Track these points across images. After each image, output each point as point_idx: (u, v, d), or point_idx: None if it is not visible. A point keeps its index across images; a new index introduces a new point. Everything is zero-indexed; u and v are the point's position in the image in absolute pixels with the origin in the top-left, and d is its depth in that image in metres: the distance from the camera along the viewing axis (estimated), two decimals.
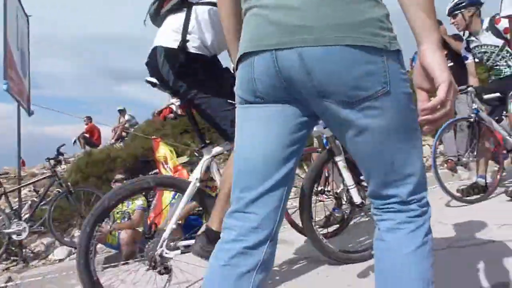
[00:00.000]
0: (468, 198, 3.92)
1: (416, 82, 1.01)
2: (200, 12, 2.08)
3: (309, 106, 1.07)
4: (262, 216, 1.09)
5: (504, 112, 4.22)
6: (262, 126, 1.10)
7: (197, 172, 2.28)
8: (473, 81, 4.45)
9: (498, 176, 4.15)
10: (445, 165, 5.69)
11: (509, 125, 4.34)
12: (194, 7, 2.08)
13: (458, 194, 3.99)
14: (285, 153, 1.10)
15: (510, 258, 2.05)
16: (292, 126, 1.10)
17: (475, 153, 4.12)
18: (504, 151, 4.43)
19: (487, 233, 2.63)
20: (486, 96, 4.15)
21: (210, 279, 1.09)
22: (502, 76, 4.12)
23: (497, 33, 3.97)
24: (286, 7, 0.97)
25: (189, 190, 2.22)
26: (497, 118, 4.22)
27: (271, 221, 1.10)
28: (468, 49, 4.36)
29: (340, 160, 2.51)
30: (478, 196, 3.98)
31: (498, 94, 4.11)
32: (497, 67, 4.12)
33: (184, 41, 2.02)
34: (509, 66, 4.06)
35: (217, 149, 2.37)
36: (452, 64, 4.81)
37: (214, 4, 2.01)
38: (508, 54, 4.01)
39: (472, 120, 4.07)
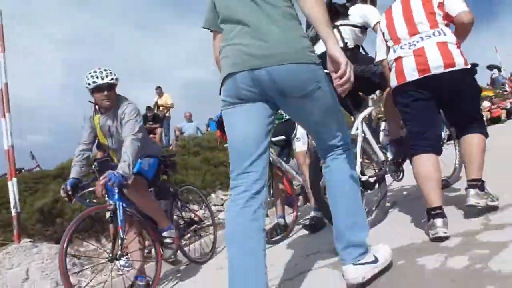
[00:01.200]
0: (272, 239, 3.75)
1: (328, 68, 1.75)
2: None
3: (275, 102, 1.92)
4: (259, 173, 1.86)
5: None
6: (245, 117, 1.89)
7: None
8: None
9: (295, 213, 4.19)
10: None
11: (296, 164, 4.51)
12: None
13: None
14: (263, 132, 1.92)
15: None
16: (264, 115, 1.92)
17: (271, 195, 4.02)
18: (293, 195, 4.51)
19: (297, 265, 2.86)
20: (273, 139, 4.24)
21: (233, 217, 1.83)
22: (284, 120, 4.28)
23: None
24: (256, 42, 1.80)
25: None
26: (285, 159, 4.31)
27: (264, 175, 1.90)
28: None
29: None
30: (281, 235, 3.92)
31: (283, 137, 4.25)
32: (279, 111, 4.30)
33: None
34: None
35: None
36: None
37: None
38: None
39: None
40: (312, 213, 3.87)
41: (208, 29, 2.12)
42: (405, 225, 3.02)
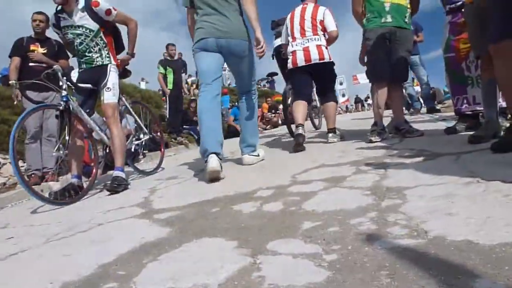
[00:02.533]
0: (63, 201, 3.14)
1: (256, 44, 3.35)
2: None
3: (224, 55, 3.41)
4: (216, 86, 3.31)
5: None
6: (209, 56, 3.34)
7: None
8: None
9: (93, 177, 3.63)
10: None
11: (101, 119, 3.92)
12: None
13: (51, 197, 3.14)
14: (219, 66, 3.40)
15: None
16: (219, 58, 3.39)
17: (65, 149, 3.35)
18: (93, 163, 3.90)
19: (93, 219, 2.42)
20: (80, 85, 3.57)
21: (205, 103, 3.26)
22: (93, 66, 3.64)
23: (94, 17, 3.52)
24: (220, 23, 3.31)
25: None
26: (88, 111, 3.66)
27: (218, 88, 3.36)
28: None
29: None
30: (75, 197, 3.30)
31: (89, 85, 3.62)
32: (90, 54, 3.61)
33: None
34: (101, 56, 3.65)
35: None
36: None
37: None
38: (102, 42, 3.61)
39: (61, 108, 3.30)
40: (116, 173, 3.41)
41: (186, 7, 3.60)
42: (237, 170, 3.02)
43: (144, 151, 5.86)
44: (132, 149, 4.45)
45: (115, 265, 1.49)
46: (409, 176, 2.20)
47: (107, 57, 3.67)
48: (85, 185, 3.48)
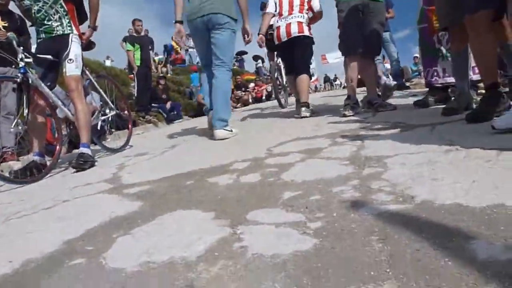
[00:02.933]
0: (25, 179, 2.93)
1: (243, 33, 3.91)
2: None
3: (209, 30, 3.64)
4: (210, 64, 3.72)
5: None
6: (202, 40, 3.75)
7: None
8: None
9: (55, 156, 3.33)
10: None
11: (63, 92, 3.68)
12: None
13: (11, 176, 2.92)
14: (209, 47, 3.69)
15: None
16: (207, 35, 3.66)
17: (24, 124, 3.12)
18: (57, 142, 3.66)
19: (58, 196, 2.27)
20: (39, 56, 3.30)
21: (209, 78, 3.82)
22: (54, 35, 3.36)
23: None
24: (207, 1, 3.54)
25: None
26: (49, 84, 3.40)
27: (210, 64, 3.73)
28: None
29: None
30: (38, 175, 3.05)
31: (50, 57, 3.35)
32: (49, 23, 3.32)
33: None
34: (62, 25, 3.36)
35: None
36: None
37: None
38: (62, 9, 3.32)
39: (19, 80, 3.05)
40: (82, 150, 3.21)
41: None
42: (193, 153, 2.92)
43: (111, 129, 5.63)
44: (98, 126, 4.23)
45: (82, 240, 1.37)
46: (387, 146, 2.16)
47: (68, 26, 3.36)
48: (48, 164, 3.27)
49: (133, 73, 8.62)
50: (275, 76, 6.59)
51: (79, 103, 3.32)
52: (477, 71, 3.66)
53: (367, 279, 0.86)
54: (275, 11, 4.74)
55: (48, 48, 3.35)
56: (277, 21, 4.67)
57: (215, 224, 1.36)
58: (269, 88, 12.59)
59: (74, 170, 3.09)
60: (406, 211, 1.18)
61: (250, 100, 11.90)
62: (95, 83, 3.98)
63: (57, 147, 3.37)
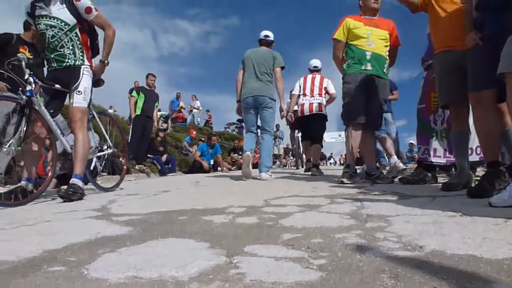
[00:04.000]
0: (8, 202, 2.84)
1: (280, 110, 5.51)
2: None
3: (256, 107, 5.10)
4: (255, 132, 5.31)
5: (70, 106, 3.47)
6: (251, 112, 5.12)
7: None
8: None
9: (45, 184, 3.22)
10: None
11: (64, 122, 3.64)
12: None
13: None
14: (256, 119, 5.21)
15: None
16: (256, 113, 5.15)
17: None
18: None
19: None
20: (48, 83, 3.31)
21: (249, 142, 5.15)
22: (65, 65, 3.39)
23: (73, 11, 3.33)
24: (257, 86, 5.02)
25: None
26: (52, 111, 3.37)
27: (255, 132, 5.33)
28: None
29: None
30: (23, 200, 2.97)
31: (58, 86, 3.37)
32: (62, 50, 3.36)
33: None
34: (74, 54, 3.41)
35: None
36: None
37: None
38: (76, 39, 3.39)
39: (22, 102, 3.03)
40: (73, 180, 3.11)
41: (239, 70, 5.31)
42: (186, 197, 2.77)
43: (104, 170, 5.51)
44: (93, 164, 4.14)
45: (64, 252, 1.27)
46: (388, 208, 2.11)
47: (81, 57, 3.39)
48: (35, 191, 3.15)
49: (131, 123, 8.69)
50: (296, 145, 9.29)
51: (80, 134, 3.27)
52: (438, 153, 3.76)
53: None
54: (300, 92, 6.33)
55: (58, 78, 3.35)
56: (302, 99, 6.28)
57: (209, 252, 1.27)
58: None
59: (62, 200, 2.97)
60: (417, 257, 1.11)
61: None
62: (97, 118, 3.96)
63: (49, 174, 3.27)
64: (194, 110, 18.12)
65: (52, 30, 3.29)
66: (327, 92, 6.31)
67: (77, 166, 3.24)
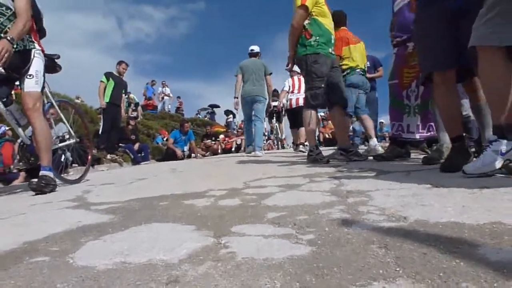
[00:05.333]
0: None
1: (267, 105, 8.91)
2: None
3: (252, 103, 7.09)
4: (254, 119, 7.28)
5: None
6: (248, 107, 7.14)
7: None
8: None
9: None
10: None
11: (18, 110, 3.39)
12: None
13: None
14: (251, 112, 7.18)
15: None
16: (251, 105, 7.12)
17: None
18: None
19: None
20: None
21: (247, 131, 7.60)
22: (14, 50, 3.14)
23: None
24: (255, 88, 6.95)
25: None
26: (4, 100, 3.13)
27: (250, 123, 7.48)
28: None
29: None
30: None
31: (2, 71, 3.10)
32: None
33: None
34: (22, 39, 3.12)
35: None
36: None
37: None
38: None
39: None
40: (43, 173, 2.98)
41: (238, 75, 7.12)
42: (164, 183, 2.72)
43: (71, 162, 5.30)
44: (62, 158, 3.96)
45: (45, 242, 1.22)
46: (367, 183, 2.15)
47: (30, 40, 3.15)
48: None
49: (101, 112, 8.42)
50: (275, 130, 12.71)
51: (37, 122, 3.03)
52: (411, 129, 3.85)
53: (376, 276, 0.78)
54: (289, 89, 7.93)
55: (8, 64, 3.13)
56: (290, 95, 7.88)
57: (196, 234, 1.26)
58: (239, 141, 12.68)
59: (34, 193, 2.85)
60: (403, 227, 1.14)
61: (219, 151, 11.86)
62: (56, 107, 3.76)
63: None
64: (165, 97, 17.81)
65: None
66: None
67: (43, 157, 3.06)
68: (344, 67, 5.21)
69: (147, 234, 1.29)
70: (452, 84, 2.64)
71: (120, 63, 8.60)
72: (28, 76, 3.06)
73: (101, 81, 8.14)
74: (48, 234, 1.31)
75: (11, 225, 1.56)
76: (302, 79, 7.14)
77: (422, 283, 0.73)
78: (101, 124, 8.37)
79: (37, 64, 3.14)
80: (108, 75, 8.26)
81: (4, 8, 3.00)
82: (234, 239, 1.17)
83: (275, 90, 8.75)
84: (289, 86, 7.92)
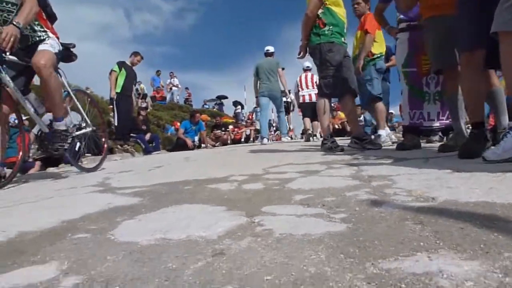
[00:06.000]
0: None
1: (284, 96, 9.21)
2: None
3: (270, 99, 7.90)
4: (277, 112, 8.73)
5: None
6: (266, 100, 7.77)
7: None
8: None
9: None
10: None
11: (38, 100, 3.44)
12: None
13: None
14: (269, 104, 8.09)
15: None
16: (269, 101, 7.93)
17: None
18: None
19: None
20: (11, 57, 3.05)
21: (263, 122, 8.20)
22: (30, 44, 3.16)
23: None
24: (269, 85, 7.69)
25: None
26: (22, 89, 3.19)
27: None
28: None
29: None
30: None
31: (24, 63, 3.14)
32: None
33: None
34: (34, 31, 3.05)
35: None
36: None
37: None
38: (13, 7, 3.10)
39: None
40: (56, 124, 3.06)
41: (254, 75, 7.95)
42: (183, 170, 2.73)
43: (88, 153, 5.36)
44: (77, 146, 4.00)
45: (83, 221, 1.26)
46: (387, 169, 2.17)
47: (42, 31, 3.16)
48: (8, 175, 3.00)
49: (113, 103, 8.44)
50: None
51: (51, 79, 3.01)
52: (432, 117, 3.82)
53: (418, 248, 0.81)
54: (298, 88, 8.96)
55: (25, 56, 3.15)
56: (301, 92, 8.85)
57: (229, 214, 1.29)
58: (248, 132, 12.71)
59: (56, 180, 2.90)
60: (433, 206, 1.16)
61: (229, 141, 11.90)
62: (73, 96, 3.80)
63: (20, 153, 3.12)
64: (174, 88, 17.84)
65: (1, 15, 3.05)
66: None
67: (56, 110, 3.15)
68: (375, 51, 5.18)
69: (179, 214, 1.32)
70: (479, 66, 2.61)
71: (136, 54, 8.50)
72: (43, 44, 3.07)
73: (114, 70, 8.09)
74: (83, 214, 1.35)
75: (43, 208, 1.61)
76: (309, 76, 8.89)
77: (464, 253, 0.76)
78: (114, 115, 8.39)
79: (52, 41, 3.16)
80: (121, 64, 8.21)
81: (9, 5, 2.97)
82: (266, 218, 1.20)
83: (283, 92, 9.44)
84: (298, 85, 9.02)
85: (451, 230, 0.89)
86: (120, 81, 8.07)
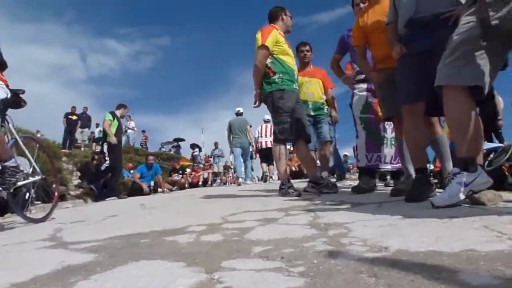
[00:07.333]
0: None
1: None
2: None
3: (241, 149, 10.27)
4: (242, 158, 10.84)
5: None
6: (238, 149, 10.46)
7: None
8: None
9: None
10: None
11: None
12: None
13: None
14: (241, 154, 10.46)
15: None
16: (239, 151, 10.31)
17: None
18: None
19: None
20: None
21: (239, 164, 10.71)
22: None
23: None
24: (240, 139, 10.39)
25: None
26: None
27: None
28: None
29: None
30: None
31: None
32: None
33: None
34: None
35: None
36: None
37: None
38: None
39: None
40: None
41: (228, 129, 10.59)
42: (138, 220, 2.67)
43: (37, 201, 5.08)
44: (27, 195, 3.79)
45: (34, 284, 1.19)
46: (342, 216, 2.24)
47: None
48: None
49: (108, 149, 8.15)
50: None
51: None
52: (387, 160, 4.05)
53: None
54: (259, 135, 10.83)
55: None
56: (260, 139, 10.75)
57: (188, 270, 1.27)
58: (206, 175, 12.63)
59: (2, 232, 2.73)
60: (386, 257, 1.21)
61: (186, 185, 11.73)
62: (21, 143, 3.66)
63: None
64: (129, 131, 17.58)
65: None
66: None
67: (2, 155, 3.06)
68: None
69: (137, 272, 1.29)
70: (421, 117, 2.82)
71: (125, 107, 8.78)
72: None
73: (108, 119, 8.07)
74: (33, 276, 1.28)
75: None
76: (268, 127, 10.64)
77: None
78: (106, 164, 8.14)
79: None
80: (113, 115, 8.26)
81: None
82: (226, 274, 1.20)
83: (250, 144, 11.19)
84: (259, 133, 10.99)
85: (403, 284, 0.93)
86: (113, 131, 8.00)
